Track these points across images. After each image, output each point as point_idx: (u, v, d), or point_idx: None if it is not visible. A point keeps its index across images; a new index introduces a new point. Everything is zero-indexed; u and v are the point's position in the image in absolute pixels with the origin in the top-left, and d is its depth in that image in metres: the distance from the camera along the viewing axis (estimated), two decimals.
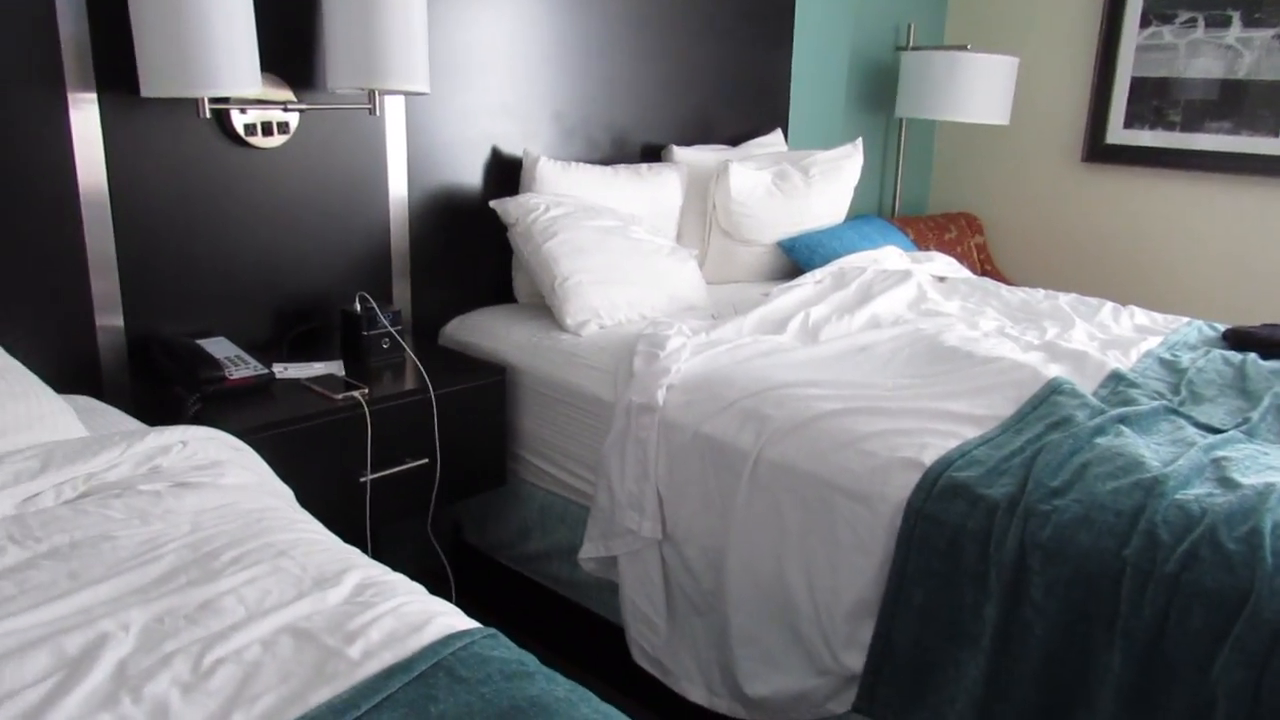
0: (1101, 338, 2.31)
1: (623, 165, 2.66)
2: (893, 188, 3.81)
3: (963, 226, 3.79)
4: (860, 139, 3.02)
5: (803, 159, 2.91)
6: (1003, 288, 2.74)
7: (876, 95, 3.66)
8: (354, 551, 1.24)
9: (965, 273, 2.90)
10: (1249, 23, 3.26)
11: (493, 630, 1.08)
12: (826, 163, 2.92)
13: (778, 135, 3.17)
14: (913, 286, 2.51)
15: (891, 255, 2.74)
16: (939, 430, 1.71)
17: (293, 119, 2.09)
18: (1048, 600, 1.45)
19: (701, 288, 2.49)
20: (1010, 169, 3.86)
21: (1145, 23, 3.45)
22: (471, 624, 1.10)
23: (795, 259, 2.80)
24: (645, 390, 1.92)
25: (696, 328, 2.16)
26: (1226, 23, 3.30)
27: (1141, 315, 2.53)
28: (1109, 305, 2.56)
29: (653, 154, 2.87)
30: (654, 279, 2.37)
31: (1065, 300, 2.62)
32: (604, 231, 2.36)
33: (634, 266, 2.35)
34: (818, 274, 2.56)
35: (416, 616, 1.07)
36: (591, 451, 2.05)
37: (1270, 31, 3.22)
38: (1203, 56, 3.36)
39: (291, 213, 2.14)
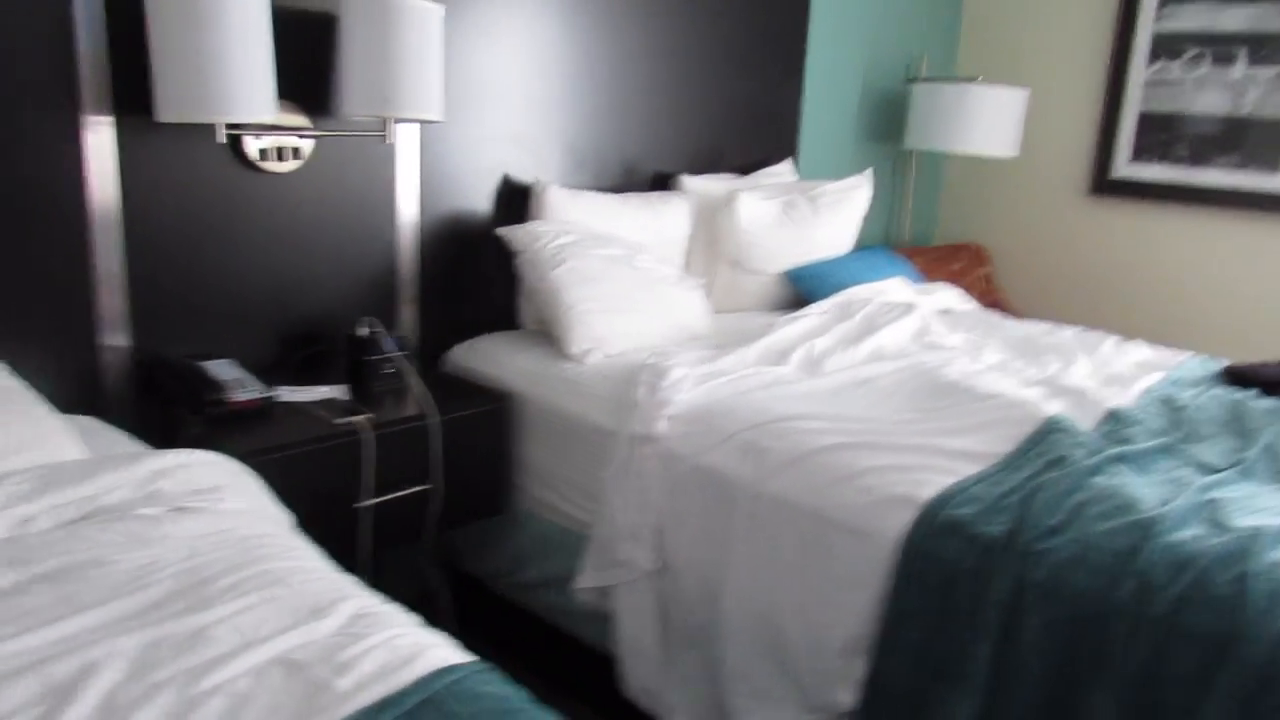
0: (1103, 373, 2.31)
1: (632, 194, 2.68)
2: (901, 218, 3.82)
3: (970, 257, 3.79)
4: (869, 170, 3.04)
5: (811, 189, 2.93)
6: (1007, 321, 2.75)
7: (886, 126, 3.68)
8: (349, 580, 1.25)
9: (970, 305, 2.91)
10: (1254, 60, 3.27)
11: (486, 664, 1.09)
12: (835, 193, 2.94)
13: (787, 165, 3.19)
14: (916, 319, 2.52)
15: (896, 287, 2.75)
16: (937, 466, 1.72)
17: (306, 145, 2.12)
18: (1041, 640, 1.46)
19: (707, 317, 2.50)
20: (1018, 201, 3.87)
21: (1153, 58, 3.47)
22: (465, 657, 1.11)
23: (801, 289, 2.81)
24: (646, 421, 1.93)
25: (700, 358, 2.18)
26: (1232, 59, 3.31)
27: (1144, 350, 2.53)
28: (1111, 339, 2.57)
29: (663, 183, 2.89)
30: (660, 308, 2.39)
31: (1068, 334, 2.62)
32: (611, 260, 2.38)
33: (640, 295, 2.36)
34: (823, 305, 2.57)
35: (409, 649, 1.08)
36: (592, 480, 2.06)
37: (1274, 70, 3.23)
38: (1209, 92, 3.37)
39: (301, 237, 2.16)
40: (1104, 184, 3.64)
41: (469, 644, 1.16)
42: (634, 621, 1.96)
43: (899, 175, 3.82)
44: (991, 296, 3.80)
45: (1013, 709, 1.48)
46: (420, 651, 1.08)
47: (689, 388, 2.01)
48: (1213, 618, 1.34)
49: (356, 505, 1.88)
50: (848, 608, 1.67)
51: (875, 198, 3.69)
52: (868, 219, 3.59)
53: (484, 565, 2.39)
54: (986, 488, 1.64)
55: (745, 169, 3.10)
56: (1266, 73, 3.25)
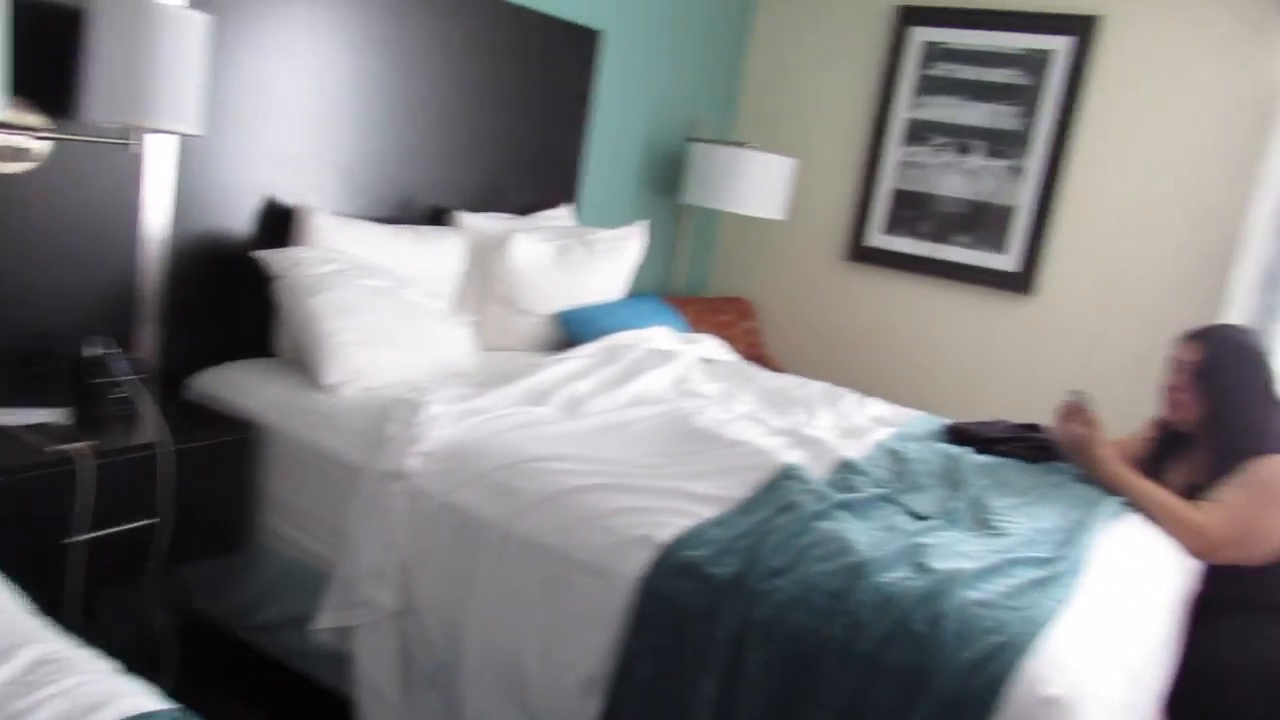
0: (842, 425, 2.49)
1: (406, 226, 2.65)
2: (676, 269, 3.97)
3: (737, 311, 3.99)
4: (645, 222, 3.14)
5: (587, 235, 3.00)
6: (763, 373, 2.91)
7: (666, 180, 3.83)
8: (37, 624, 1.15)
9: (731, 356, 3.05)
10: (990, 153, 3.65)
11: (186, 712, 1.03)
12: (610, 241, 3.02)
13: (567, 210, 3.25)
14: (678, 367, 2.62)
15: (662, 335, 2.85)
16: (679, 509, 1.79)
17: (42, 146, 1.96)
18: (762, 676, 1.53)
19: (473, 355, 2.50)
20: (783, 261, 4.12)
21: (906, 141, 3.80)
22: (162, 704, 1.04)
23: (571, 332, 2.86)
24: (396, 457, 1.90)
25: (459, 395, 2.17)
26: (969, 150, 3.68)
27: (881, 406, 2.74)
28: (854, 395, 2.76)
29: (440, 217, 2.87)
30: (423, 343, 2.36)
31: (817, 388, 2.80)
32: (375, 291, 2.34)
33: (404, 329, 2.33)
34: (589, 348, 2.63)
35: (93, 697, 1.01)
36: (339, 517, 2.00)
37: (1005, 163, 3.62)
38: (951, 177, 3.73)
39: (28, 245, 1.99)
40: (859, 251, 3.94)
41: (194, 690, 1.09)
42: (374, 663, 1.90)
43: (676, 228, 3.98)
44: (755, 349, 4.01)
45: None
46: (108, 699, 1.01)
47: (445, 425, 1.99)
48: (910, 653, 1.46)
49: (67, 541, 1.73)
50: (587, 647, 1.69)
51: (652, 248, 3.83)
52: (644, 267, 3.72)
53: (220, 606, 2.25)
54: (721, 530, 1.72)
55: (524, 210, 3.13)
56: (998, 165, 3.64)
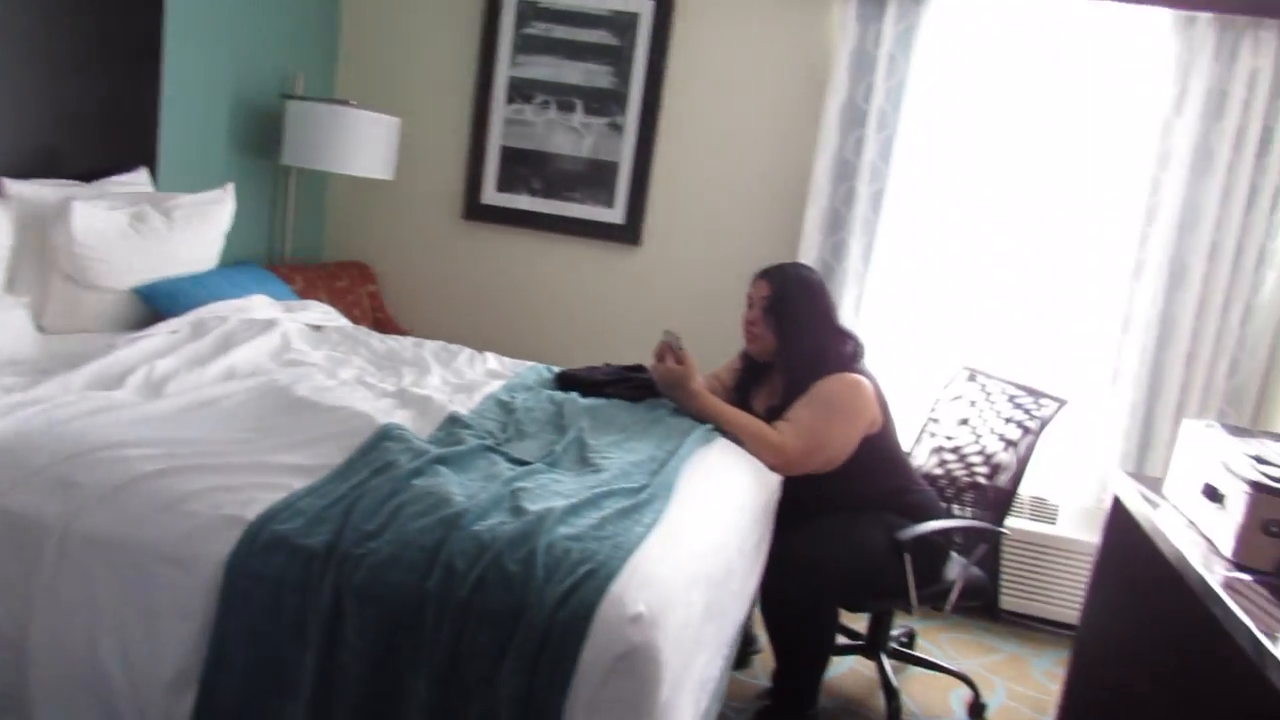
0: (454, 382, 2.50)
1: None
2: (284, 235, 3.76)
3: (355, 275, 3.86)
4: (231, 184, 2.93)
5: (166, 201, 2.74)
6: (374, 336, 2.84)
7: (264, 141, 3.59)
8: None
9: (341, 321, 2.95)
10: (589, 111, 3.80)
11: None
12: (192, 206, 2.79)
13: (143, 175, 2.95)
14: (277, 336, 2.49)
15: (260, 304, 2.69)
16: (269, 484, 1.70)
17: None
18: (360, 640, 1.51)
19: (30, 339, 2.21)
20: (400, 222, 4.04)
21: (511, 100, 3.86)
22: None
23: (156, 307, 2.61)
24: None
25: (9, 385, 1.90)
26: (573, 108, 3.82)
27: (494, 361, 2.79)
28: (467, 351, 2.78)
29: None
30: None
31: (430, 348, 2.79)
32: None
33: None
34: (173, 323, 2.42)
35: None
36: None
37: (605, 119, 3.79)
38: (557, 134, 3.85)
39: None
40: (476, 210, 3.96)
41: None
42: None
43: (280, 192, 3.76)
44: (378, 313, 3.91)
45: (338, 711, 1.51)
46: None
47: None
48: (504, 594, 1.50)
49: None
50: (176, 640, 1.58)
51: (255, 214, 3.59)
52: (245, 234, 3.48)
53: None
54: (314, 500, 1.66)
55: (89, 176, 2.79)
56: (599, 122, 3.80)
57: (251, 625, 1.54)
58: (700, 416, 2.49)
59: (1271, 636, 1.68)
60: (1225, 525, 2.11)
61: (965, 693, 2.94)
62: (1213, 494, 2.20)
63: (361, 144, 3.47)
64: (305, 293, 3.43)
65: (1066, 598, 3.48)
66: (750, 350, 2.72)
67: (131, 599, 1.59)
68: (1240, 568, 2.02)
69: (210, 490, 1.65)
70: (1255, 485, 2.02)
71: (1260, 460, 2.12)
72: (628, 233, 3.84)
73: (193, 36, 3.14)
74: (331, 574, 1.52)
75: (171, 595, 1.58)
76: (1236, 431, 2.39)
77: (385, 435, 1.89)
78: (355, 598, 1.51)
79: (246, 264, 3.14)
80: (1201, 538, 2.21)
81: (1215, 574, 1.98)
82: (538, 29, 3.79)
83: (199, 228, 2.77)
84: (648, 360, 2.68)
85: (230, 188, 2.90)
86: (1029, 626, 3.56)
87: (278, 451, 1.83)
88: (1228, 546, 2.07)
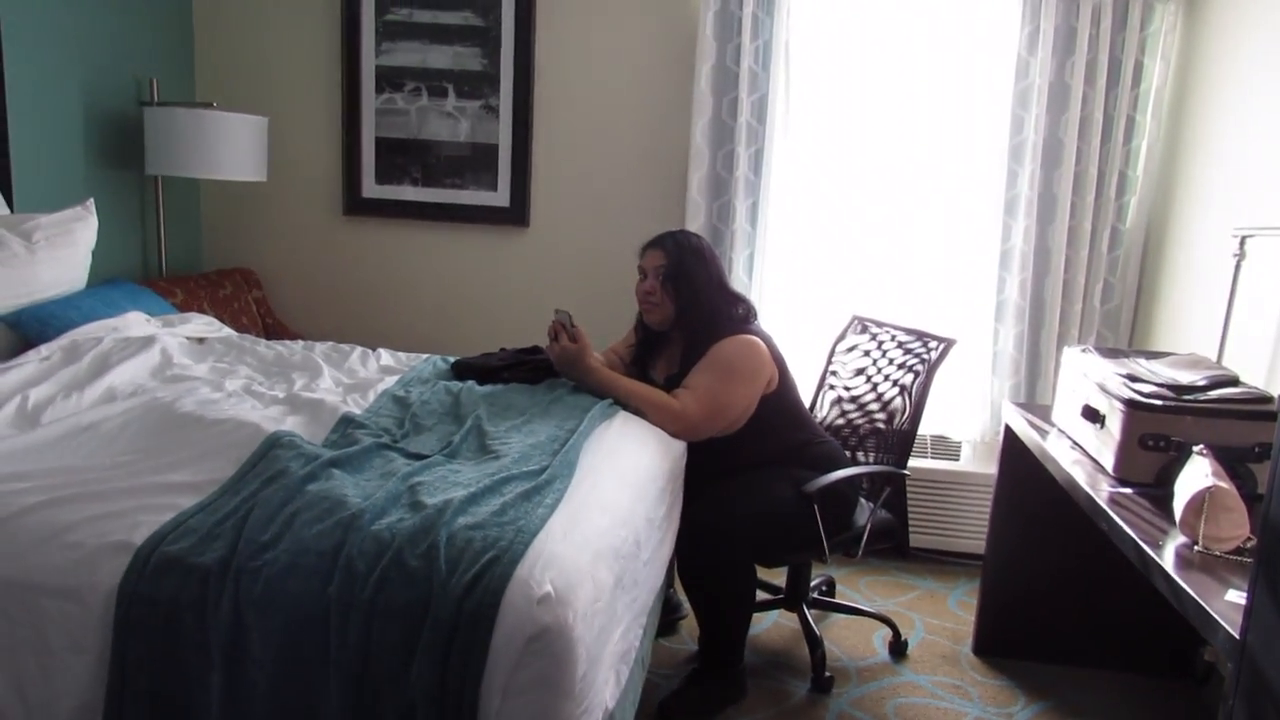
0: (347, 382, 2.45)
1: None
2: (158, 248, 3.61)
3: (239, 282, 3.75)
4: (91, 200, 2.80)
5: (23, 223, 2.61)
6: (261, 343, 2.76)
7: (124, 152, 3.44)
8: None
9: (226, 331, 2.87)
10: (461, 95, 3.75)
11: None
12: (53, 226, 2.66)
13: None
14: (157, 353, 2.41)
15: (136, 321, 2.59)
16: (156, 505, 1.65)
17: None
18: (266, 653, 1.48)
19: None
20: (280, 224, 3.93)
21: (380, 89, 3.77)
22: None
23: (24, 334, 2.49)
24: None
25: None
26: (445, 93, 3.75)
27: (387, 357, 2.74)
28: (359, 350, 2.73)
29: None
30: None
31: (320, 350, 2.72)
32: None
33: None
34: (44, 349, 2.32)
35: None
36: None
37: (478, 102, 3.74)
38: (431, 121, 3.78)
39: None
40: (357, 204, 3.87)
41: None
42: None
43: (148, 203, 3.61)
44: (267, 319, 3.81)
45: None
46: None
47: None
48: (408, 591, 1.49)
49: None
50: (72, 675, 1.52)
51: (124, 228, 3.45)
52: (119, 252, 3.36)
53: None
54: (205, 517, 1.62)
55: None
56: (473, 105, 3.74)
57: (151, 651, 1.50)
58: (600, 391, 2.50)
59: (1153, 544, 1.77)
60: (1106, 444, 2.21)
61: (887, 633, 3.03)
62: (1093, 415, 2.31)
63: (229, 147, 3.36)
64: (186, 305, 3.31)
65: (975, 530, 3.61)
66: (649, 320, 2.72)
67: (22, 637, 1.52)
68: (1123, 482, 2.13)
69: (94, 519, 1.59)
70: (1129, 403, 2.12)
71: (1133, 379, 2.23)
72: (514, 215, 3.80)
73: (33, 47, 2.98)
74: (229, 590, 1.49)
75: (64, 630, 1.52)
76: (1110, 353, 2.50)
77: (275, 443, 1.85)
78: (256, 611, 1.48)
79: (119, 281, 3.01)
80: (1087, 458, 2.32)
81: (1101, 491, 2.08)
82: (400, 14, 3.71)
83: (62, 248, 2.64)
84: (543, 341, 2.67)
85: (91, 203, 2.77)
86: (942, 561, 3.69)
87: (163, 471, 1.77)
88: (1110, 463, 2.18)
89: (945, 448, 3.72)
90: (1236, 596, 1.50)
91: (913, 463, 3.21)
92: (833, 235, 3.61)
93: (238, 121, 3.38)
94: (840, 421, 3.02)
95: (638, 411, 2.47)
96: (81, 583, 1.52)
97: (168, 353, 2.43)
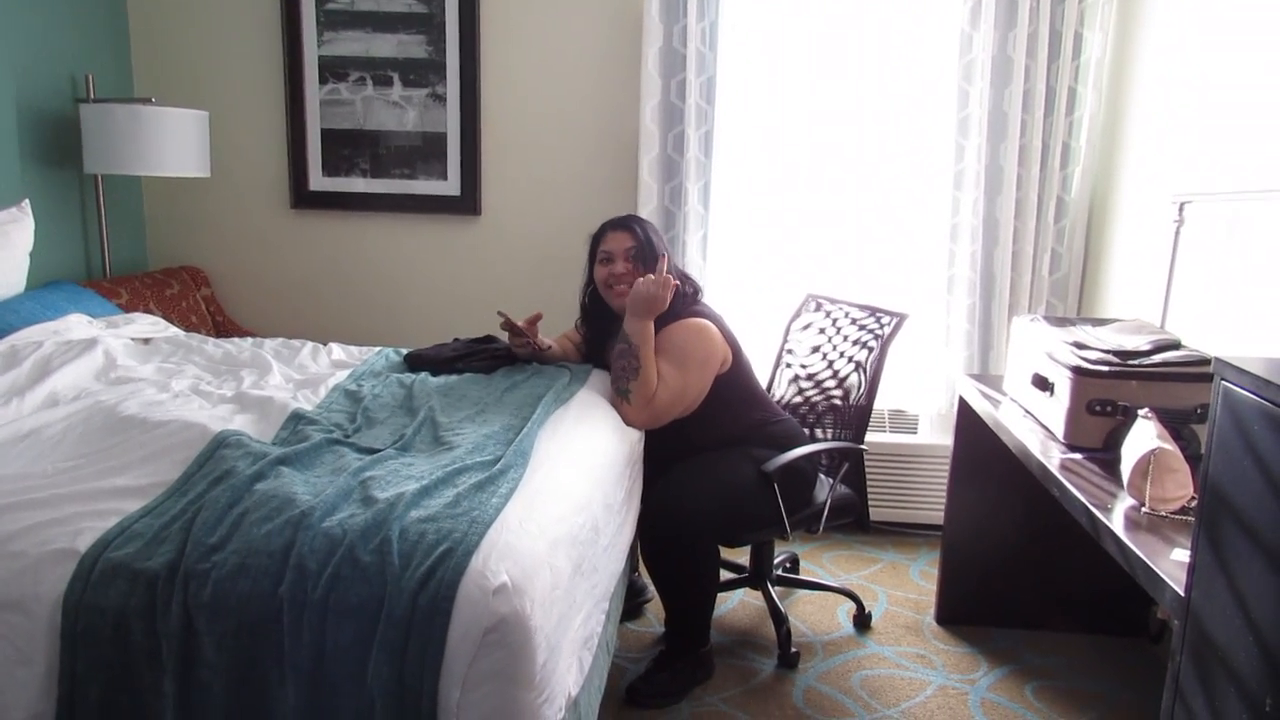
0: (298, 379, 2.42)
1: None
2: (101, 248, 3.54)
3: (186, 280, 3.68)
4: (27, 200, 2.73)
5: None
6: (209, 341, 2.72)
7: (61, 150, 3.36)
8: None
9: (172, 330, 2.82)
10: (407, 83, 3.70)
11: None
12: None
13: None
14: (100, 355, 2.36)
15: (78, 323, 2.54)
16: (100, 511, 1.62)
17: None
18: (219, 657, 1.46)
19: None
20: (226, 219, 3.86)
21: (324, 80, 3.71)
22: None
23: None
24: None
25: None
26: (390, 82, 3.70)
27: (339, 351, 2.71)
28: (310, 345, 2.69)
29: None
30: None
31: (270, 346, 2.68)
32: None
33: None
34: None
35: None
36: None
37: (424, 90, 3.70)
38: (378, 111, 3.73)
39: None
40: (305, 198, 3.81)
41: None
42: None
43: (89, 203, 3.53)
44: (217, 317, 3.75)
45: None
46: None
47: None
48: (362, 587, 1.47)
49: None
50: (20, 688, 1.49)
51: (63, 228, 3.38)
52: (59, 253, 3.28)
53: None
54: (151, 520, 1.59)
55: None
56: (420, 94, 3.70)
57: (101, 660, 1.47)
58: (643, 338, 2.46)
59: (1102, 507, 1.80)
60: (1056, 410, 2.24)
61: (851, 606, 3.06)
62: (1042, 383, 2.34)
63: (169, 143, 3.29)
64: (131, 305, 3.25)
65: (934, 501, 3.65)
66: (618, 304, 2.66)
67: None
68: (1073, 448, 2.16)
69: (36, 526, 1.56)
70: (1076, 370, 2.15)
71: (1080, 346, 2.26)
72: (465, 204, 3.77)
73: None
74: (178, 594, 1.46)
75: (10, 642, 1.48)
76: (1058, 321, 2.53)
77: (222, 443, 1.82)
78: (206, 614, 1.45)
79: (60, 283, 2.94)
80: (1039, 425, 2.35)
81: (1052, 458, 2.11)
82: (341, 3, 3.65)
83: (0, 251, 2.58)
84: (497, 331, 2.65)
85: (27, 204, 2.70)
86: (903, 533, 3.73)
87: (108, 476, 1.73)
88: (1060, 430, 2.21)
89: (903, 421, 3.76)
90: (1181, 555, 1.53)
91: (871, 437, 3.24)
92: (785, 215, 3.62)
93: (177, 116, 3.31)
94: (798, 399, 3.03)
95: (622, 389, 2.45)
96: (25, 593, 1.48)
97: (111, 355, 2.38)
